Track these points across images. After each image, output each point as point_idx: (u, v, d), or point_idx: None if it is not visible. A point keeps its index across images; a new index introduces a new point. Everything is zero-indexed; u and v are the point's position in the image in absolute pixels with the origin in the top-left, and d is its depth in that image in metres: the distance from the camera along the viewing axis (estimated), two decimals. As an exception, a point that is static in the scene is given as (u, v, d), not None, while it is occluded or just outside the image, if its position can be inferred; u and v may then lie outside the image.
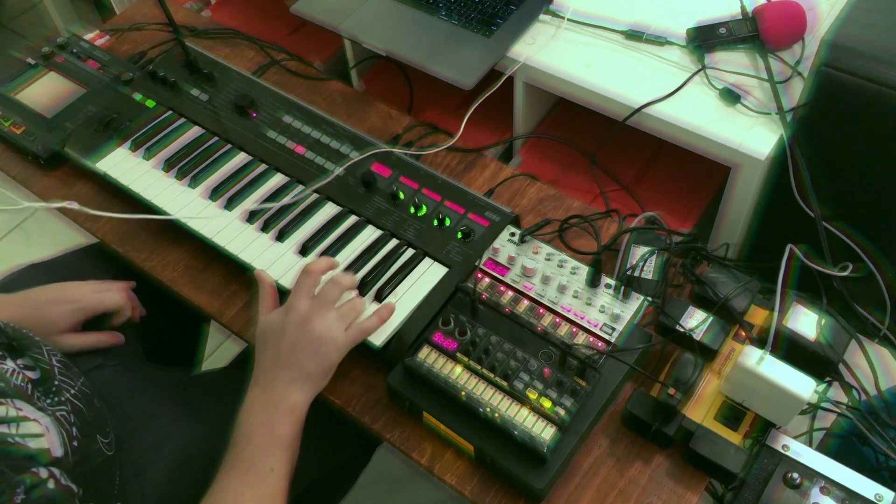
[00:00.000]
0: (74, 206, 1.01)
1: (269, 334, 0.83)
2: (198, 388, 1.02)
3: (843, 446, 0.94)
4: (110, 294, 1.00)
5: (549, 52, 1.19)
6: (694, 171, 1.24)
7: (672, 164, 1.30)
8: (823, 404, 0.81)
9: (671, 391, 0.77)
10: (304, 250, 0.96)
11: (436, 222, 0.97)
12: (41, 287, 0.97)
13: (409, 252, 0.95)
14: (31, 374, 0.73)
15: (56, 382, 0.76)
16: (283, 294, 0.88)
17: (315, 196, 1.02)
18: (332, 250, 0.96)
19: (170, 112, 1.14)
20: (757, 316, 0.86)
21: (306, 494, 0.99)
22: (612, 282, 0.88)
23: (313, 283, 0.85)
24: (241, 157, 1.07)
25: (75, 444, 0.71)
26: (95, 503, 0.71)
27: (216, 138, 1.10)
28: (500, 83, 1.17)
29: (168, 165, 1.06)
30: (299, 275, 0.85)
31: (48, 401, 0.73)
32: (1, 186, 1.05)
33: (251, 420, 0.78)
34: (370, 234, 0.98)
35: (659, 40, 1.17)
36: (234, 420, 0.79)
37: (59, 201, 1.03)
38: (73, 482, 0.66)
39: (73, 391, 0.78)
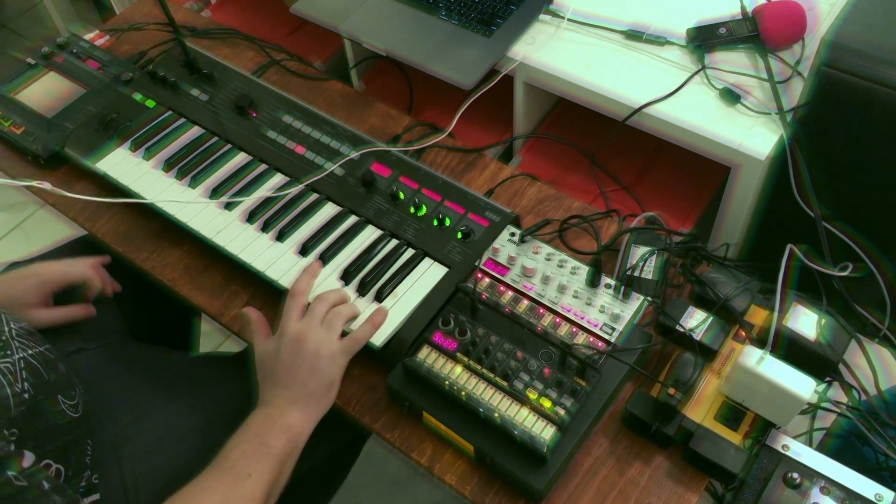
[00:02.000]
0: (46, 186, 1.02)
1: (265, 362, 0.84)
2: (180, 370, 1.02)
3: (843, 446, 0.94)
4: (75, 266, 1.01)
5: (549, 51, 1.19)
6: (694, 171, 1.24)
7: (672, 164, 1.30)
8: (823, 404, 0.81)
9: (671, 391, 0.77)
10: (304, 250, 0.96)
11: (436, 222, 0.97)
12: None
13: (409, 252, 0.95)
14: None
15: (5, 339, 0.76)
16: (281, 293, 0.88)
17: (315, 196, 1.02)
18: (332, 250, 0.96)
19: (170, 112, 1.14)
20: (757, 316, 0.86)
21: (296, 487, 0.99)
22: (612, 282, 0.88)
23: (300, 304, 0.85)
24: (241, 157, 1.07)
25: (25, 395, 0.72)
26: (53, 460, 0.73)
27: (216, 138, 1.10)
28: (495, 80, 1.17)
29: (168, 165, 1.06)
30: (286, 300, 0.86)
31: None
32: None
33: (245, 432, 0.78)
34: (370, 234, 0.98)
35: (659, 40, 1.17)
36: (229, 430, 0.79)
37: (30, 180, 1.04)
38: (6, 425, 0.67)
39: (30, 352, 0.78)
